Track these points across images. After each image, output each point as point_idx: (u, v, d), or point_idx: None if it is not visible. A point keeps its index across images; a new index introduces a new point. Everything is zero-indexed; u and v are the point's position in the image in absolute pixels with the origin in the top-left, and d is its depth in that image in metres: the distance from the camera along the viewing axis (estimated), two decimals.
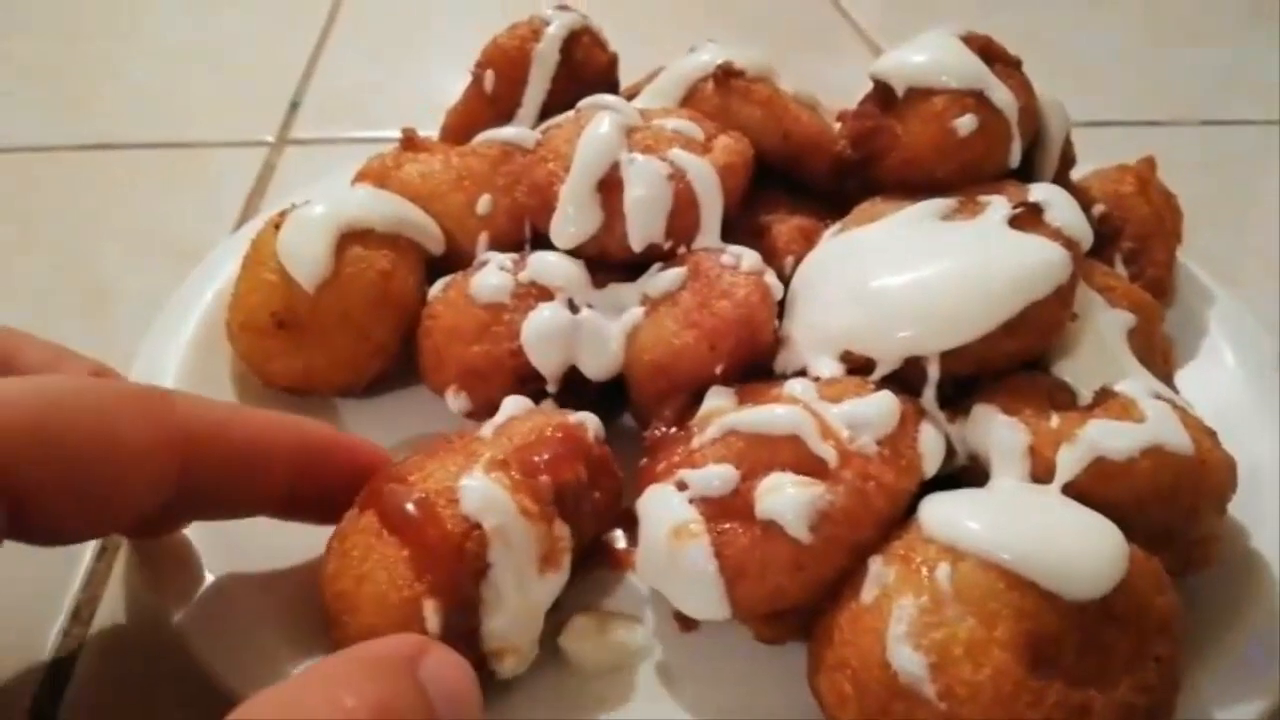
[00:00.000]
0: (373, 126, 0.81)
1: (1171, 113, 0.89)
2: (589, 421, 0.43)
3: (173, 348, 0.50)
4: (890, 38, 1.00)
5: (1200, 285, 0.57)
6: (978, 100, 0.47)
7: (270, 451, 0.38)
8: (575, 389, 0.48)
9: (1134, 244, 0.55)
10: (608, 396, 0.48)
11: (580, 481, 0.40)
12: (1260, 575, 0.42)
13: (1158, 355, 0.48)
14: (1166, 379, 0.49)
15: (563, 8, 0.61)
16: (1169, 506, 0.38)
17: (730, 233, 0.50)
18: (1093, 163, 0.61)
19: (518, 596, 0.37)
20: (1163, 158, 0.81)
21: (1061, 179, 0.56)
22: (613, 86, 0.62)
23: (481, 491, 0.37)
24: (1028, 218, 0.44)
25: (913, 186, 0.49)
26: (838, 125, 0.54)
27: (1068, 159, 0.56)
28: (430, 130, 0.60)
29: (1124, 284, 0.48)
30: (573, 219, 0.48)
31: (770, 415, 0.40)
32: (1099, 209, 0.56)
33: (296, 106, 0.84)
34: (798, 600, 0.38)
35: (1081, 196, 0.56)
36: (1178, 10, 1.12)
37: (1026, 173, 0.53)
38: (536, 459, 0.39)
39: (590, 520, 0.41)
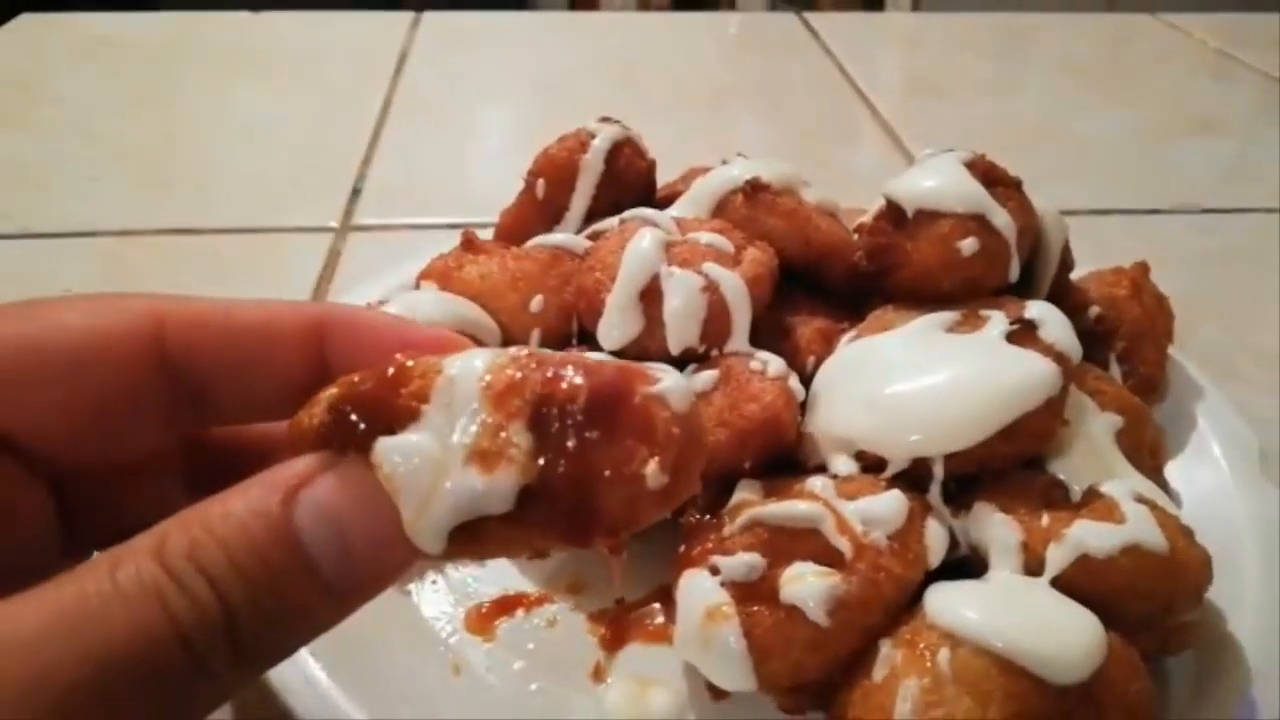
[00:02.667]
0: (429, 213, 0.87)
1: (1174, 201, 0.94)
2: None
3: None
4: (911, 126, 1.07)
5: (1191, 381, 0.62)
6: (980, 224, 0.53)
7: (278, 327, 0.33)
8: None
9: (1127, 344, 0.60)
10: None
11: (572, 408, 0.28)
12: (1233, 658, 0.47)
13: (1145, 453, 0.53)
14: (1155, 473, 0.54)
15: (606, 120, 0.68)
16: (1146, 599, 0.43)
17: (758, 332, 0.56)
18: (1094, 248, 0.66)
19: (425, 462, 0.27)
20: (1163, 246, 0.87)
21: (1061, 281, 0.61)
22: (651, 188, 0.69)
23: (462, 357, 0.29)
24: (1023, 334, 0.49)
25: (921, 297, 0.54)
26: (855, 234, 0.60)
27: (1066, 264, 0.61)
28: (483, 215, 0.67)
29: (1114, 387, 0.54)
30: (617, 324, 0.54)
31: (793, 510, 0.46)
32: (1095, 311, 0.61)
33: (358, 193, 0.91)
34: (817, 676, 0.43)
35: (1079, 298, 0.62)
36: (1188, 99, 1.17)
37: (1028, 278, 0.59)
38: (539, 365, 0.29)
39: (567, 468, 0.28)
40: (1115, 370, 0.60)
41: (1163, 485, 0.54)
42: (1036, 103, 1.16)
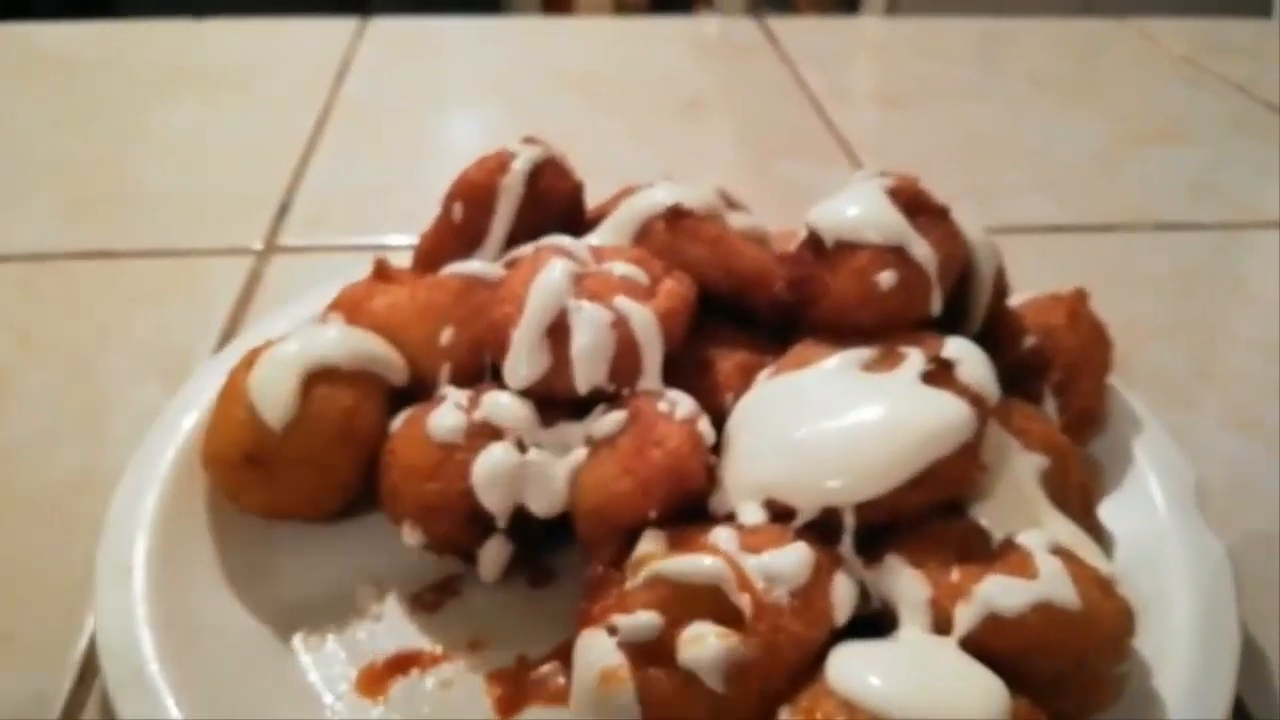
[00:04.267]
0: (360, 234, 0.85)
1: (1132, 216, 0.92)
2: None
3: (152, 476, 0.54)
4: (866, 139, 1.05)
5: (1130, 412, 0.60)
6: (898, 256, 0.50)
7: None
8: (525, 524, 0.51)
9: (1062, 375, 0.58)
10: (558, 529, 0.51)
11: None
12: (1158, 712, 0.44)
13: (1073, 493, 0.51)
14: (1085, 514, 0.52)
15: (529, 140, 0.65)
16: (1057, 657, 0.41)
17: (676, 367, 0.53)
18: (1049, 266, 0.64)
19: None
20: (1117, 265, 0.85)
21: (996, 310, 0.59)
22: (578, 211, 0.66)
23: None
24: (939, 374, 0.47)
25: (841, 330, 0.52)
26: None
27: (1000, 291, 0.59)
28: (414, 236, 0.64)
29: (1040, 425, 0.51)
30: (524, 362, 0.51)
31: (693, 565, 0.43)
32: (1029, 341, 0.59)
33: (286, 211, 0.88)
34: None
35: (1014, 326, 0.60)
36: (1154, 110, 1.15)
37: (959, 309, 0.57)
38: None
39: None
40: (1050, 403, 0.57)
41: (1094, 527, 0.52)
42: (1000, 113, 1.14)
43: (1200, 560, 0.51)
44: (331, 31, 1.27)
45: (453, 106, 1.15)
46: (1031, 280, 0.62)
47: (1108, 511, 0.54)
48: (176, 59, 1.20)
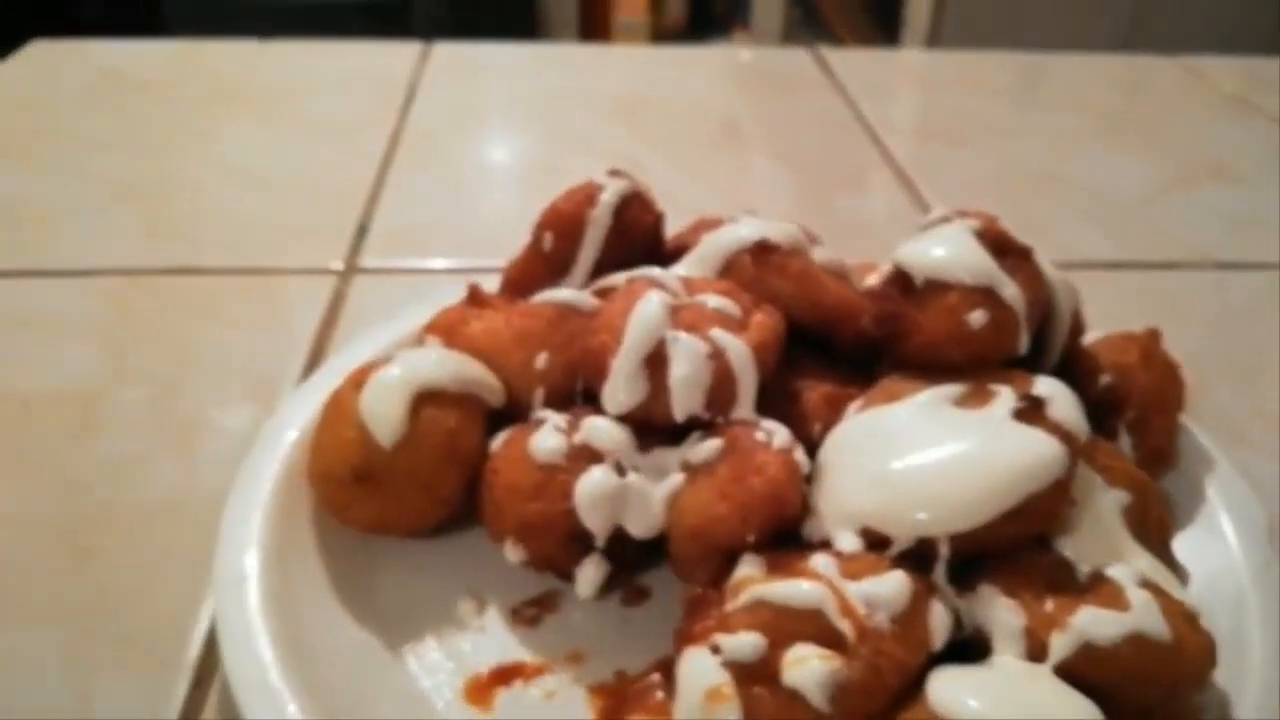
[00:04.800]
0: (436, 255, 0.87)
1: (1186, 253, 0.93)
2: None
3: (261, 491, 0.56)
4: (923, 172, 1.07)
5: (1202, 450, 0.62)
6: (988, 296, 0.52)
7: None
8: (622, 545, 0.53)
9: (1137, 414, 0.59)
10: (651, 551, 0.53)
11: None
12: None
13: (1153, 529, 0.52)
14: (1162, 548, 0.53)
15: (615, 173, 0.67)
16: (1148, 687, 0.43)
17: (766, 397, 0.56)
18: (1106, 302, 0.65)
19: None
20: (1175, 302, 0.87)
21: (1072, 348, 0.61)
22: (659, 241, 0.69)
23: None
24: (1031, 412, 0.49)
25: (929, 366, 0.54)
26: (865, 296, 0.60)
27: (1077, 330, 0.61)
28: (491, 258, 0.67)
29: (1122, 463, 0.53)
30: (623, 389, 0.53)
31: (795, 590, 0.45)
32: (1105, 379, 0.60)
33: (364, 233, 0.91)
34: None
35: (1089, 365, 0.62)
36: (1202, 147, 1.17)
37: (1039, 346, 0.59)
38: None
39: None
40: (1125, 440, 0.59)
41: (1169, 561, 0.53)
42: (1050, 147, 1.16)
43: (1274, 596, 0.52)
44: (395, 55, 1.31)
45: (513, 131, 1.18)
46: (1089, 316, 0.64)
47: (1183, 546, 0.56)
48: (241, 79, 1.24)
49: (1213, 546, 0.56)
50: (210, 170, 1.02)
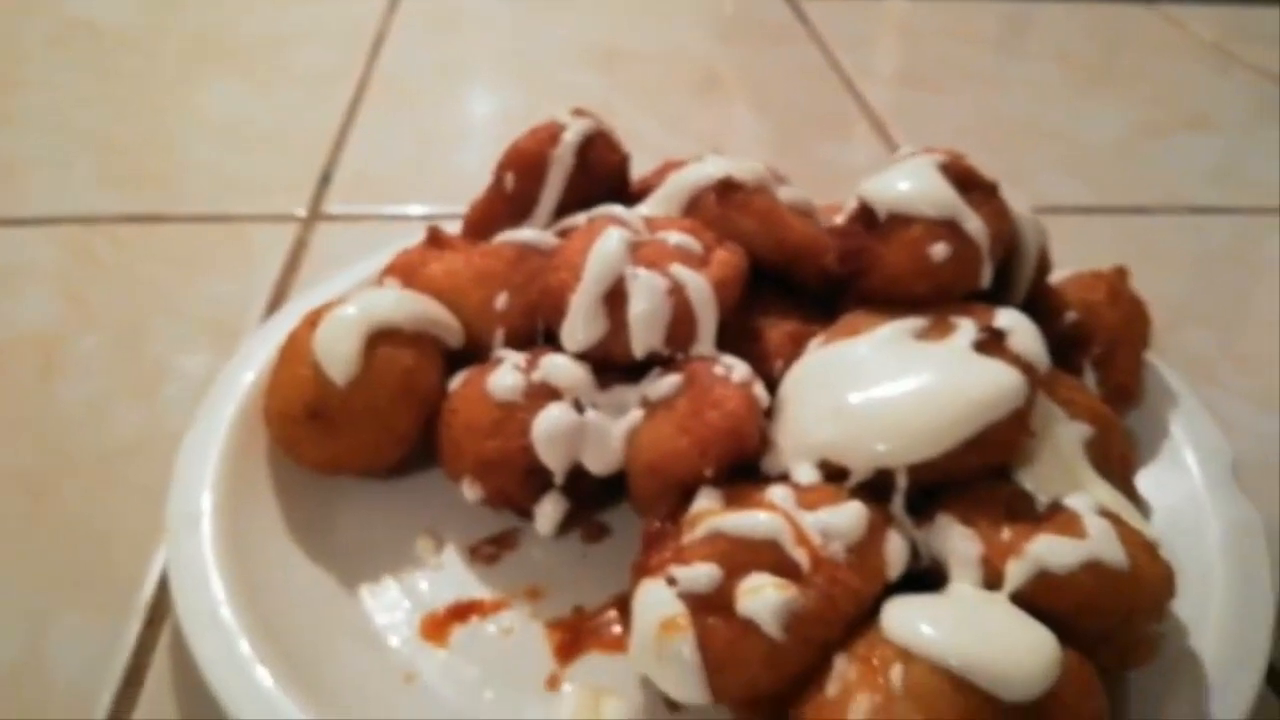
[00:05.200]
0: (402, 202, 0.86)
1: (1162, 199, 0.93)
2: None
3: (216, 431, 0.55)
4: (900, 120, 1.05)
5: (1168, 388, 0.61)
6: (951, 229, 0.52)
7: None
8: (581, 482, 0.52)
9: (1102, 350, 0.59)
10: (610, 487, 0.53)
11: None
12: (1196, 672, 0.46)
13: (1115, 462, 0.52)
14: (1124, 483, 0.53)
15: (579, 112, 0.66)
16: (1105, 615, 0.42)
17: (727, 335, 0.55)
18: (1080, 247, 0.65)
19: None
20: (1149, 247, 0.86)
21: (1038, 285, 0.60)
22: (624, 183, 0.68)
23: None
24: (991, 343, 0.48)
25: (892, 301, 0.53)
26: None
27: (1044, 267, 0.60)
28: (457, 205, 0.66)
29: (1084, 396, 0.53)
30: (581, 327, 0.53)
31: (752, 520, 0.45)
32: (1071, 316, 0.60)
33: (328, 180, 0.89)
34: (771, 690, 0.42)
35: (1056, 302, 0.61)
36: (1183, 95, 1.16)
37: (1003, 283, 0.58)
38: None
39: None
40: (1090, 377, 0.59)
41: (1132, 495, 0.53)
42: (1029, 96, 1.15)
43: (1236, 529, 0.52)
44: (364, 3, 1.28)
45: (484, 80, 1.16)
46: (1062, 260, 0.63)
47: (1146, 481, 0.56)
48: (209, 29, 1.21)
49: (1177, 481, 0.56)
50: (175, 119, 1.00)
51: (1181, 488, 0.56)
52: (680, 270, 0.53)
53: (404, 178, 0.91)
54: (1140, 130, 1.06)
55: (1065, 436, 0.50)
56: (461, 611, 0.50)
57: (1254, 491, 0.57)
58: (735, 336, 0.55)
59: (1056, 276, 0.63)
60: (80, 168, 0.90)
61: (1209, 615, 0.48)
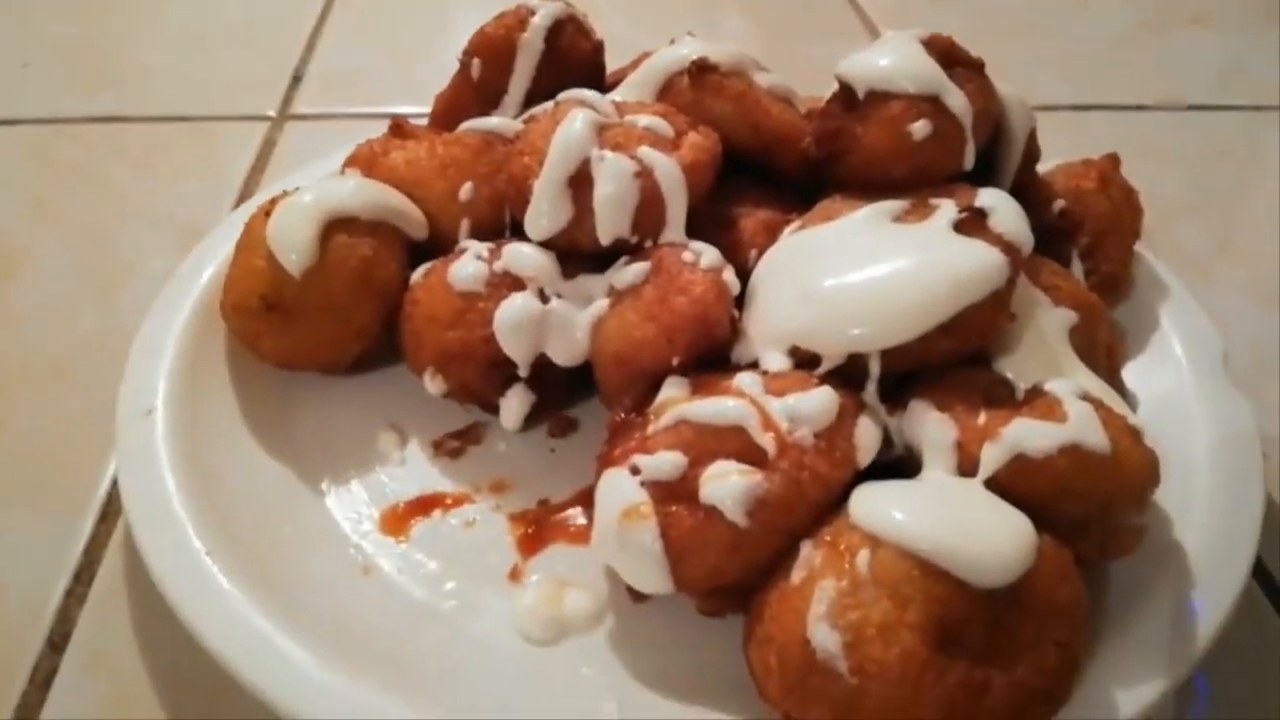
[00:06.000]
0: (372, 101, 0.83)
1: (1160, 97, 0.89)
2: None
3: (172, 325, 0.54)
4: (893, 19, 1.01)
5: (1158, 279, 0.59)
6: (933, 106, 0.49)
7: None
8: (547, 374, 0.51)
9: (1091, 239, 0.57)
10: (579, 380, 0.51)
11: None
12: (1178, 564, 0.44)
13: (1100, 352, 0.50)
14: (1110, 374, 0.51)
15: None
16: (1084, 501, 0.41)
17: (699, 224, 0.53)
18: (1076, 145, 0.62)
19: None
20: (1147, 143, 0.83)
21: (1026, 174, 0.58)
22: (598, 73, 0.65)
23: None
24: (971, 223, 0.46)
25: (872, 185, 0.51)
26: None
27: (1031, 155, 0.58)
28: (429, 104, 0.63)
29: (1070, 283, 0.51)
30: (545, 213, 0.50)
31: (717, 407, 0.43)
32: (1059, 204, 0.57)
33: (299, 80, 0.86)
34: (735, 579, 0.41)
35: (1044, 191, 0.59)
36: None
37: (989, 168, 0.56)
38: None
39: None
40: (1077, 267, 0.57)
41: (1118, 386, 0.51)
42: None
43: (1226, 419, 0.51)
44: None
45: None
46: (1057, 157, 0.61)
47: (1133, 374, 0.54)
48: None
49: (1165, 373, 0.54)
50: (147, 20, 0.97)
51: (1170, 379, 0.54)
52: (648, 153, 0.51)
53: (378, 77, 0.88)
54: (1141, 27, 1.02)
55: (1048, 323, 0.48)
56: (423, 505, 0.49)
57: (1247, 385, 0.55)
58: (709, 225, 0.53)
59: (1046, 166, 0.61)
60: (44, 70, 0.87)
61: (1195, 507, 0.47)
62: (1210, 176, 0.79)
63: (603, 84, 0.63)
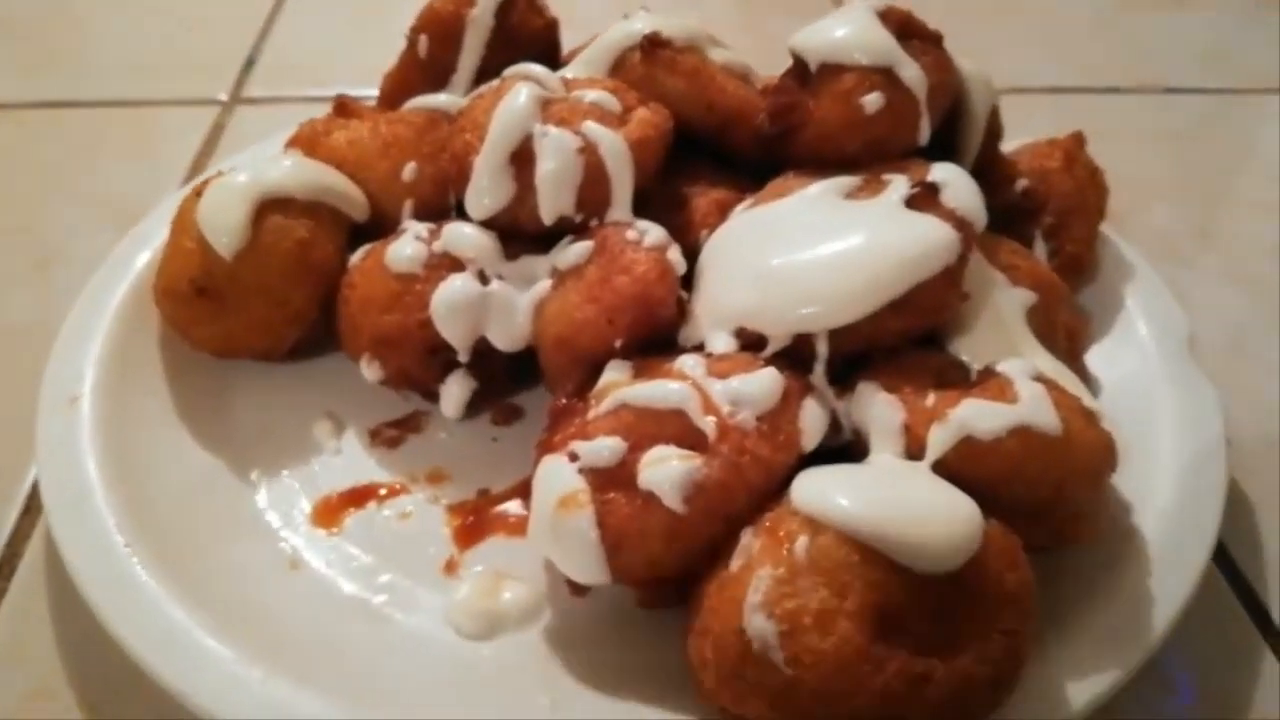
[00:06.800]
0: (327, 85, 0.81)
1: (1138, 79, 0.88)
2: None
3: (103, 310, 0.52)
4: None
5: (1124, 260, 0.57)
6: (886, 78, 0.47)
7: None
8: (488, 360, 0.49)
9: (1055, 219, 0.55)
10: (523, 367, 0.49)
11: None
12: (1135, 550, 0.43)
13: (1060, 333, 0.48)
14: (1071, 356, 0.49)
15: None
16: (1035, 484, 0.39)
17: (651, 203, 0.51)
18: (1052, 126, 0.60)
19: None
20: (1122, 125, 0.82)
21: (989, 152, 0.56)
22: (552, 50, 0.63)
23: None
24: (923, 198, 0.44)
25: (826, 161, 0.49)
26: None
27: (994, 132, 0.56)
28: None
29: (1029, 262, 0.49)
30: (486, 191, 0.49)
31: (657, 390, 0.41)
32: (1022, 183, 0.56)
33: (252, 64, 0.84)
34: (674, 569, 0.39)
35: (1008, 170, 0.57)
36: None
37: (949, 146, 0.54)
38: None
39: None
40: (1041, 247, 0.55)
41: (1079, 368, 0.50)
42: None
43: (1189, 402, 0.49)
44: None
45: None
46: (1029, 139, 0.60)
47: (1098, 358, 0.52)
48: None
49: (1129, 355, 0.53)
50: (102, 4, 0.94)
51: (1134, 361, 0.52)
52: (593, 128, 0.49)
53: (332, 62, 0.85)
54: (1121, 9, 1.00)
55: (1005, 303, 0.46)
56: (357, 496, 0.47)
57: (1220, 368, 0.53)
58: (660, 205, 0.51)
59: (1011, 146, 0.59)
60: None
61: (1155, 492, 0.45)
62: (1184, 158, 0.77)
63: (558, 61, 0.61)
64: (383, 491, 0.47)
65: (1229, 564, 0.49)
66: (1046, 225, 0.55)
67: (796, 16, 0.96)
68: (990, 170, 0.56)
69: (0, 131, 0.76)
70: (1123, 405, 0.49)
